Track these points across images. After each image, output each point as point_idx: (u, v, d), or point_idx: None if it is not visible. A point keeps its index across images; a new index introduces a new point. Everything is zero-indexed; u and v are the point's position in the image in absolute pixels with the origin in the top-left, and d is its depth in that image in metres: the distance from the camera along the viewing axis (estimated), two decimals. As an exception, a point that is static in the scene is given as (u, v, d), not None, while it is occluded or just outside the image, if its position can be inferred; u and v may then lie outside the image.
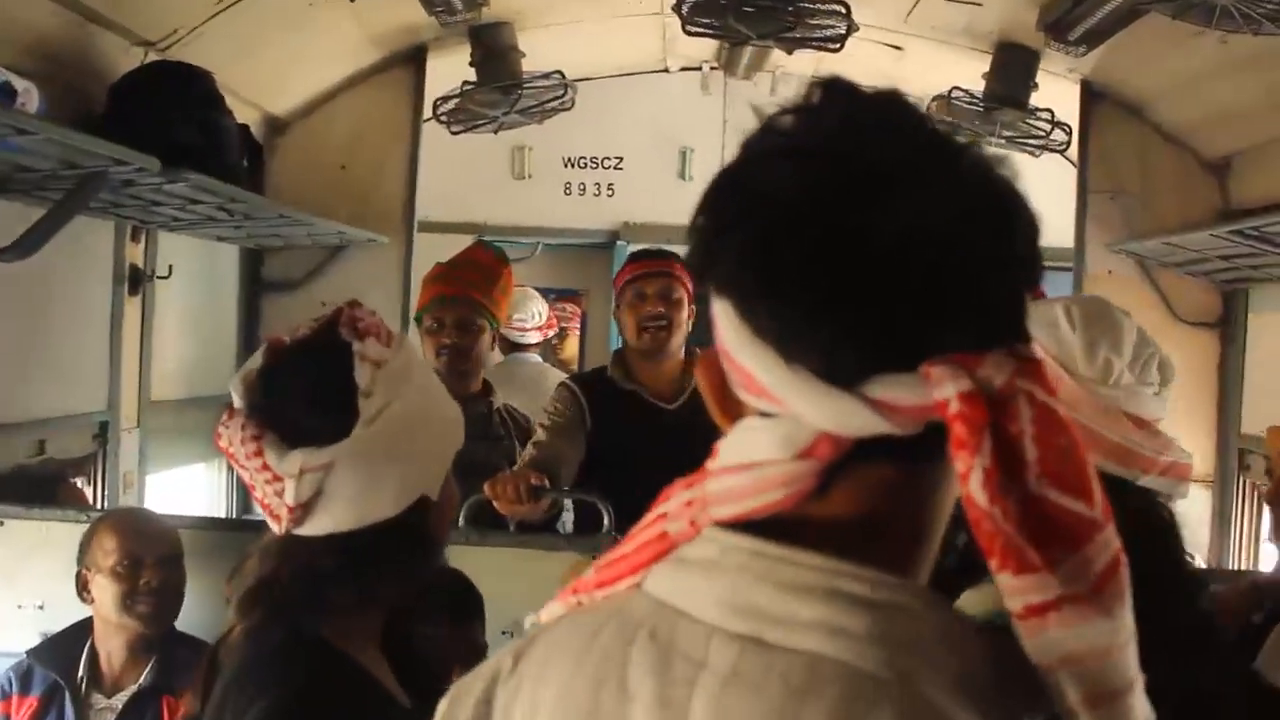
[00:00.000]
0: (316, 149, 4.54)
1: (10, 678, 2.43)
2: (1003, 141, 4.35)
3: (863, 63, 4.33)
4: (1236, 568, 4.08)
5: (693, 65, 5.88)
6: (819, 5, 3.48)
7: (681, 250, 3.06)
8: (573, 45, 5.02)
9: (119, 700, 2.39)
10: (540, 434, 3.05)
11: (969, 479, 0.64)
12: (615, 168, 5.99)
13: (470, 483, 2.81)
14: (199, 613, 2.46)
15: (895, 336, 0.66)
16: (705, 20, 3.55)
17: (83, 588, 2.41)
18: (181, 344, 4.10)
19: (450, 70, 4.48)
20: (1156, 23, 3.30)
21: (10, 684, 2.43)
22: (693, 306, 3.18)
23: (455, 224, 5.52)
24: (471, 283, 3.23)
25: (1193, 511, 1.53)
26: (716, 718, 0.66)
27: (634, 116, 5.89)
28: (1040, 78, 4.31)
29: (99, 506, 3.41)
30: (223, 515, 4.28)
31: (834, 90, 0.71)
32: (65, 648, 2.45)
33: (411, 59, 4.62)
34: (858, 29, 3.62)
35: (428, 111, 4.54)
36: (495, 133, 4.68)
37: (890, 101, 0.71)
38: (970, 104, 4.39)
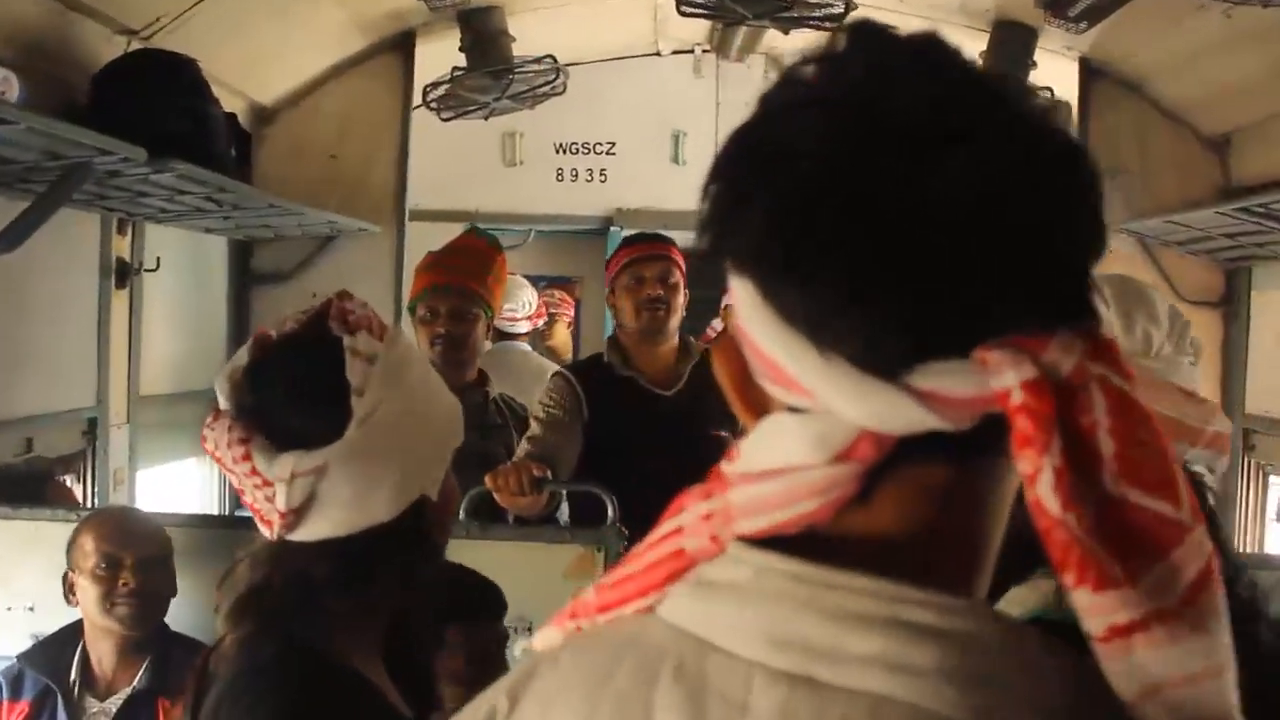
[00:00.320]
0: (305, 138, 4.48)
1: (0, 682, 2.38)
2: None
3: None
4: (1242, 548, 4.05)
5: (685, 48, 5.83)
6: (816, -16, 3.43)
7: (677, 235, 3.02)
8: (563, 29, 4.97)
9: (113, 704, 2.33)
10: (535, 427, 2.99)
11: (1037, 481, 0.55)
12: (608, 153, 5.94)
13: (468, 474, 2.75)
14: (192, 612, 2.41)
15: (945, 317, 0.57)
16: (700, 0, 3.50)
17: (69, 589, 2.36)
18: (171, 338, 4.04)
19: (439, 56, 4.42)
20: (1159, -4, 3.26)
21: (1, 689, 2.37)
22: (687, 291, 3.16)
23: (447, 212, 5.46)
24: (466, 271, 3.18)
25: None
26: None
27: (625, 101, 5.84)
28: (1038, 55, 4.26)
29: (90, 504, 3.37)
30: (216, 511, 4.23)
31: (863, 34, 0.62)
32: (56, 651, 2.39)
33: (400, 45, 4.55)
34: (855, 7, 3.58)
35: (417, 98, 4.48)
36: (486, 119, 4.62)
37: (928, 43, 0.61)
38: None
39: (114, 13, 3.14)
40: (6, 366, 3.04)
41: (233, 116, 3.63)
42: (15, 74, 2.46)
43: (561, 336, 5.31)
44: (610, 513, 2.67)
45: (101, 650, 2.36)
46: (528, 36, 4.34)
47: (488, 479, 2.60)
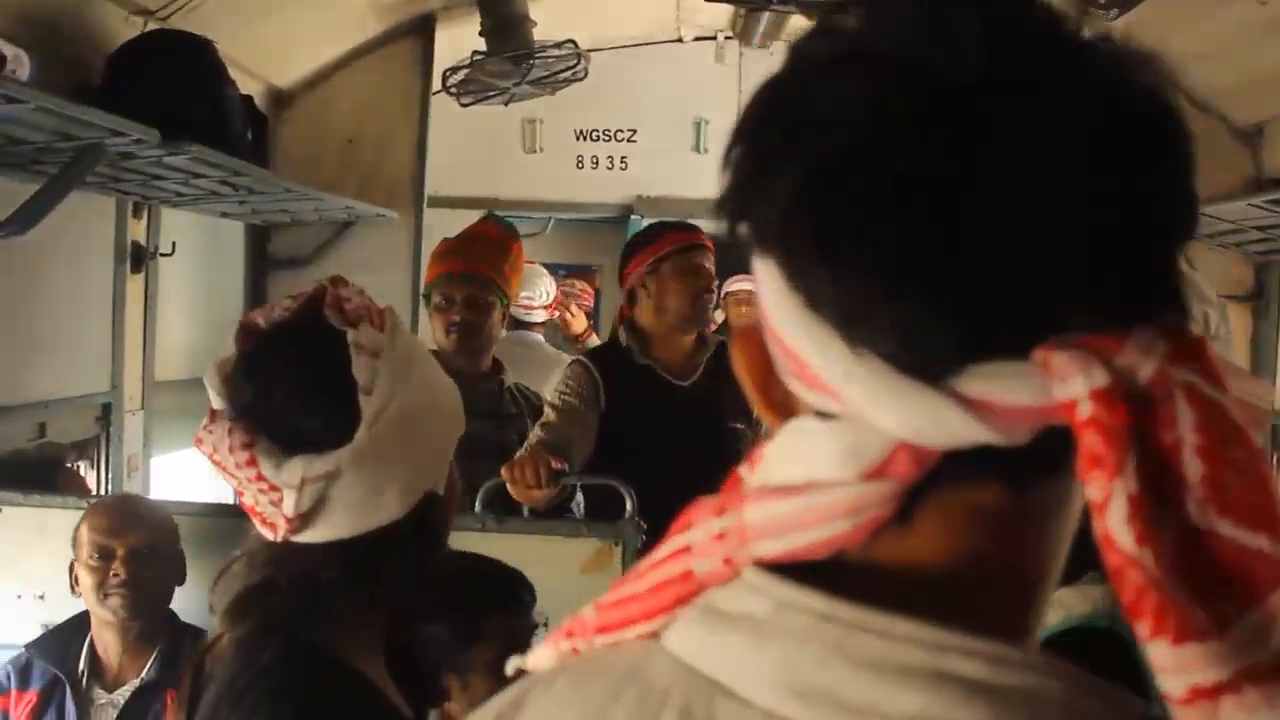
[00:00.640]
0: (323, 122, 4.42)
1: (9, 672, 2.35)
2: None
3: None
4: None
5: (707, 34, 5.76)
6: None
7: (701, 224, 2.95)
8: (584, 14, 4.91)
9: (121, 695, 2.30)
10: (550, 414, 2.90)
11: (1107, 511, 0.46)
12: (629, 140, 5.87)
13: (484, 464, 2.71)
14: (204, 602, 2.37)
15: (1000, 309, 0.48)
16: (724, -16, 3.44)
17: (74, 579, 2.34)
18: (186, 323, 4.00)
19: (459, 40, 4.36)
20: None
21: (9, 679, 2.34)
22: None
23: (466, 199, 5.40)
24: (483, 258, 3.13)
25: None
26: None
27: (647, 87, 5.76)
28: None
29: (105, 490, 3.34)
30: (231, 499, 4.19)
31: None
32: (66, 641, 2.37)
33: (419, 29, 4.49)
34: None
35: (437, 83, 4.42)
36: (506, 104, 4.56)
37: None
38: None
39: (130, -7, 3.10)
40: (20, 351, 3.01)
41: (249, 99, 3.58)
42: (28, 53, 2.41)
43: (580, 325, 5.26)
44: (629, 506, 2.62)
45: (107, 641, 2.33)
46: (549, 21, 4.27)
47: (503, 471, 2.54)
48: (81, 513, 2.41)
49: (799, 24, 4.67)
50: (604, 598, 0.61)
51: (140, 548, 2.31)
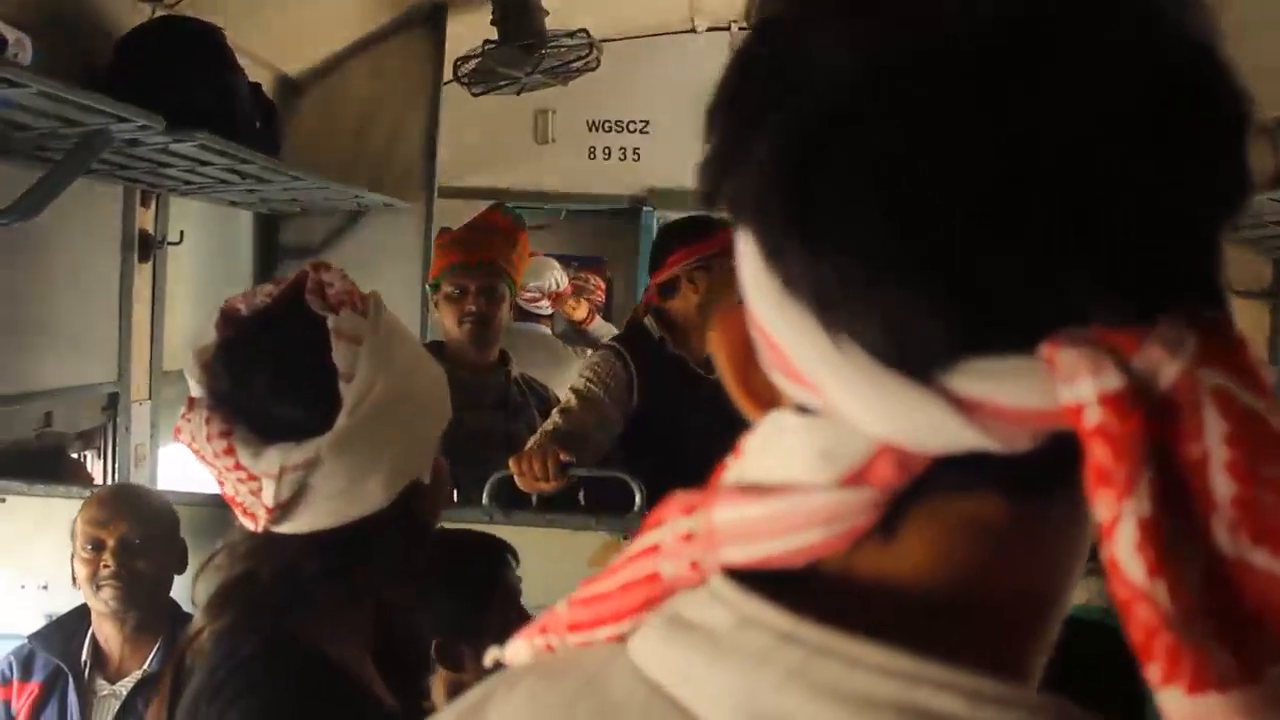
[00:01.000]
0: (333, 111, 4.39)
1: (11, 663, 2.33)
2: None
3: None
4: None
5: (720, 25, 5.71)
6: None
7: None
8: (597, 3, 4.87)
9: (123, 687, 2.29)
10: (571, 400, 2.78)
11: (1115, 536, 0.39)
12: (641, 131, 5.83)
13: (492, 455, 2.68)
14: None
15: (1001, 297, 0.41)
16: (738, -28, 3.39)
17: (74, 571, 2.32)
18: (195, 312, 3.97)
19: (471, 29, 4.32)
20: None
21: (11, 669, 2.33)
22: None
23: (476, 189, 5.37)
24: (494, 248, 3.10)
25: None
26: None
27: (660, 78, 5.72)
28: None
29: (111, 480, 3.32)
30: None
31: None
32: (68, 631, 2.35)
33: (431, 17, 4.46)
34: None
35: (448, 73, 4.39)
36: (518, 94, 4.53)
37: None
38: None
39: (138, -21, 3.08)
40: (26, 340, 2.99)
41: (258, 88, 3.56)
42: (33, 39, 2.38)
43: (581, 312, 5.18)
44: (637, 499, 2.58)
45: (106, 632, 2.32)
46: (561, 10, 4.23)
47: (511, 463, 2.51)
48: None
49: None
50: (577, 593, 0.56)
51: (130, 538, 2.28)
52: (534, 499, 2.61)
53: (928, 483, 0.44)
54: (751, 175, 0.46)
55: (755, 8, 0.50)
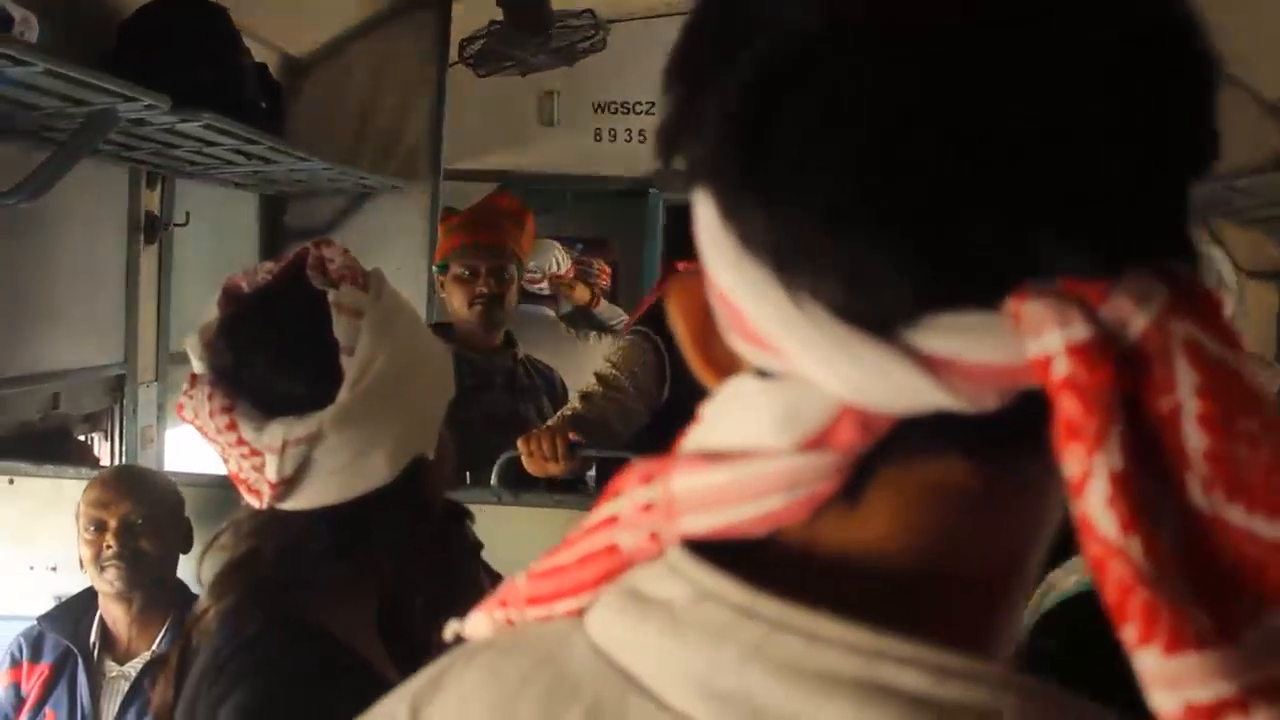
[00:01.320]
0: (338, 93, 4.36)
1: (21, 644, 2.34)
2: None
3: None
4: None
5: (727, 6, 5.70)
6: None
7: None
8: (603, -16, 4.85)
9: (132, 668, 2.29)
10: (594, 385, 2.67)
11: (1086, 491, 0.38)
12: (647, 113, 5.79)
13: (501, 437, 2.67)
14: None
15: (963, 249, 0.40)
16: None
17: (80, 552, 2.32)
18: (201, 294, 3.93)
19: (477, 10, 4.30)
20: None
21: (21, 650, 2.33)
22: None
23: (481, 171, 5.35)
24: (504, 230, 3.10)
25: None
26: None
27: (666, 60, 5.70)
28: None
29: (119, 462, 3.32)
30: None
31: None
32: (77, 613, 2.35)
33: (436, -2, 4.44)
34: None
35: (453, 55, 4.37)
36: (523, 75, 4.51)
37: None
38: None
39: (143, -42, 3.05)
40: (32, 321, 2.98)
41: (264, 68, 3.54)
42: (38, 17, 2.37)
43: (584, 295, 5.15)
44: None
45: (115, 613, 2.32)
46: (567, -10, 4.23)
47: (519, 443, 2.49)
48: (93, 484, 2.38)
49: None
50: (536, 566, 0.54)
51: (132, 519, 2.29)
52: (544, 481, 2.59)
53: (892, 446, 0.43)
54: (708, 133, 0.44)
55: None
